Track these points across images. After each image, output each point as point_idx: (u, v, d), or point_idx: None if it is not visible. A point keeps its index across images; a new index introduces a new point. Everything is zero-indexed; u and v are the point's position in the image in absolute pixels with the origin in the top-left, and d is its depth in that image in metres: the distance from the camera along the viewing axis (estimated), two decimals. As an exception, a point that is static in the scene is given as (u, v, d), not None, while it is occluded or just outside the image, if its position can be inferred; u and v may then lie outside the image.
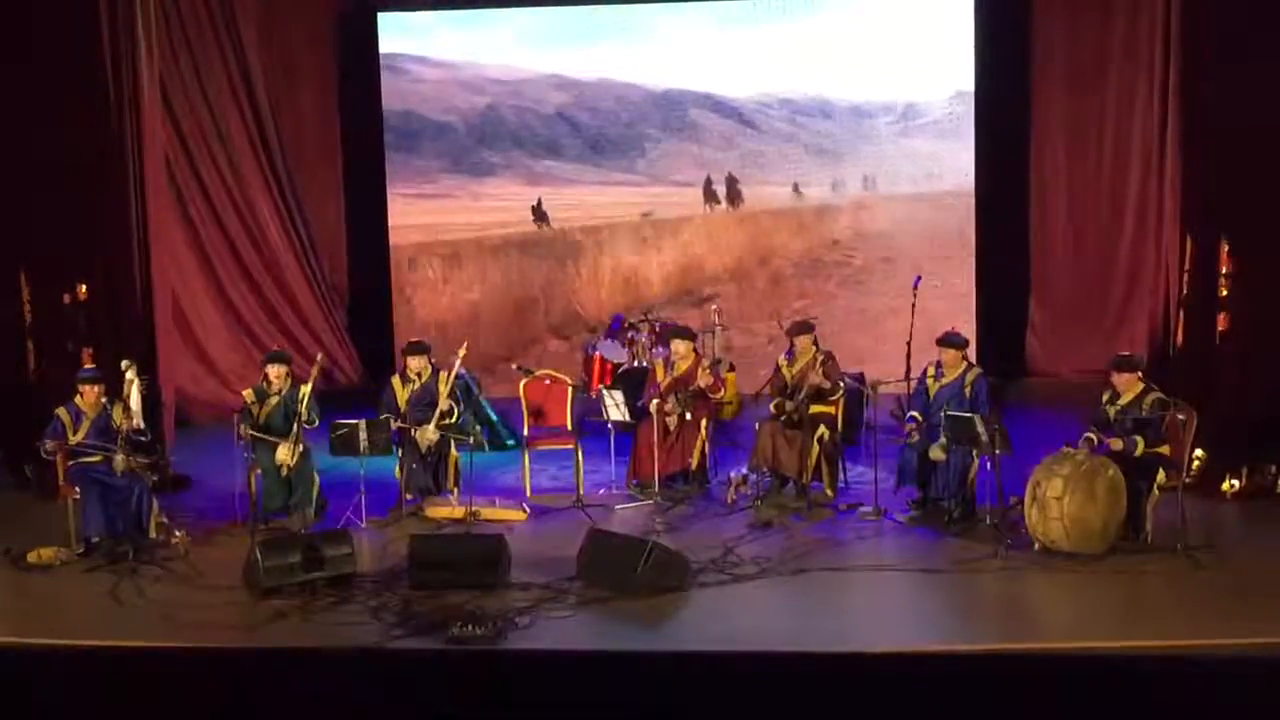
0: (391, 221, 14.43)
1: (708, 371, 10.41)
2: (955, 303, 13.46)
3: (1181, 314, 10.50)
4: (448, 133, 14.35)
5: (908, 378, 10.28)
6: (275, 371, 9.90)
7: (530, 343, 14.25)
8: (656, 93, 14.19)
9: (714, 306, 13.28)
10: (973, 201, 13.92)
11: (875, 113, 13.96)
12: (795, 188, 14.09)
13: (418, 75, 14.32)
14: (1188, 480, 9.10)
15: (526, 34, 14.19)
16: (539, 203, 14.29)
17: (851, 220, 14.08)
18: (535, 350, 14.09)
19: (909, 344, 10.53)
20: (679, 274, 14.27)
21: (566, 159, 14.31)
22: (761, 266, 14.19)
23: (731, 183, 14.20)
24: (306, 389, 9.76)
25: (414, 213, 14.38)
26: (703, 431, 10.35)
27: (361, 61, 14.39)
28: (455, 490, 10.07)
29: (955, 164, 13.84)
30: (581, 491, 10.19)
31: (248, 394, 9.94)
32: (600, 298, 14.28)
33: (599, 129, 14.29)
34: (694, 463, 10.35)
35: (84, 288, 11.02)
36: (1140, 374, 9.12)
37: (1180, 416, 8.87)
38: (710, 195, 14.23)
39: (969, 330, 12.23)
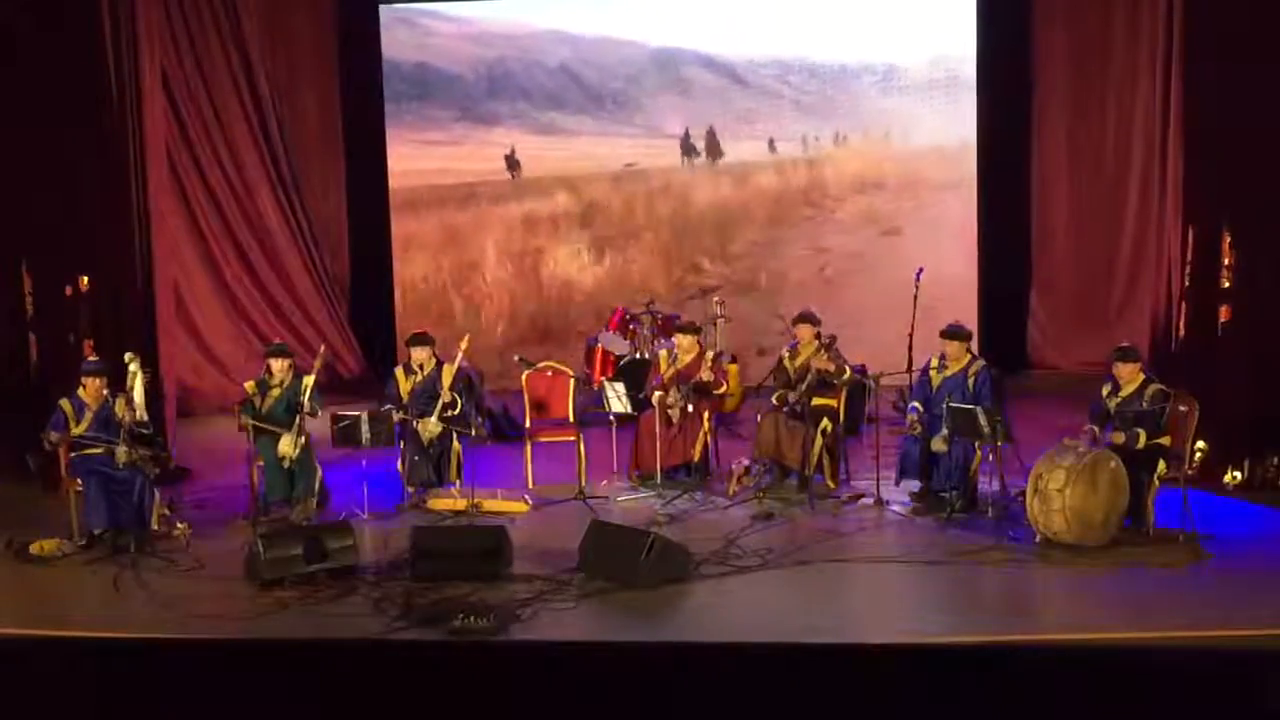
0: (399, 166, 14.61)
1: (710, 366, 10.41)
2: (956, 293, 13.46)
3: (1183, 305, 10.50)
4: (457, 84, 14.61)
5: (909, 369, 10.28)
6: (278, 365, 9.90)
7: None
8: (653, 49, 14.42)
9: (716, 299, 13.27)
10: (974, 192, 13.92)
11: (882, 76, 14.03)
12: (770, 143, 14.31)
13: (430, 29, 14.51)
14: (1190, 472, 9.10)
15: (521, 29, 14.45)
16: (512, 151, 14.56)
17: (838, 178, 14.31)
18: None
19: (910, 336, 10.54)
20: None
21: (568, 111, 14.60)
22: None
23: (711, 137, 14.36)
24: (309, 380, 9.76)
25: (423, 158, 14.65)
26: (705, 424, 10.35)
27: (364, 52, 14.40)
28: (457, 482, 10.08)
29: (953, 131, 13.94)
30: (583, 483, 10.19)
31: (249, 385, 9.93)
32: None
33: (599, 83, 14.51)
34: (696, 455, 10.35)
35: (86, 279, 11.02)
36: (1141, 365, 9.13)
37: (1182, 408, 8.87)
38: (688, 149, 14.42)
39: (970, 322, 12.23)
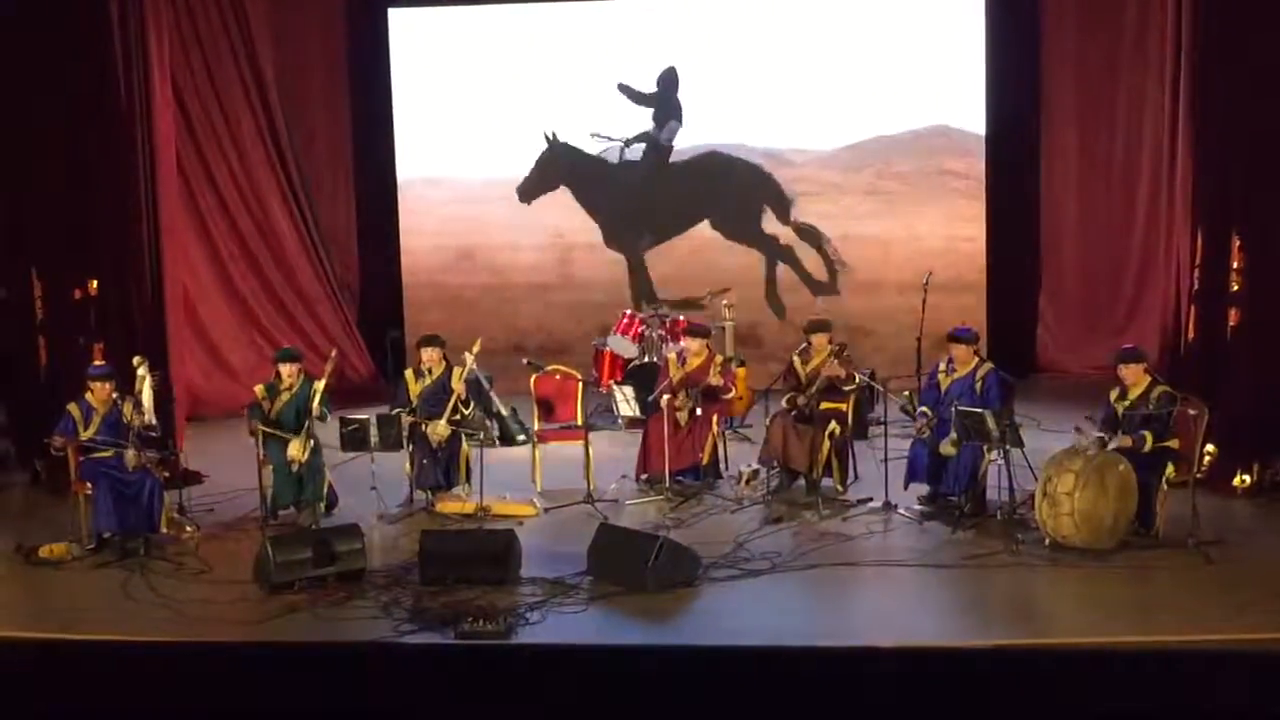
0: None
1: (718, 370, 10.40)
2: (965, 298, 13.45)
3: (1192, 309, 10.48)
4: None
5: (918, 373, 10.27)
6: (287, 370, 9.91)
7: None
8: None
9: (725, 301, 13.26)
10: (984, 199, 13.91)
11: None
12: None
13: (425, 64, 14.42)
14: (1199, 475, 9.09)
15: (530, 34, 14.29)
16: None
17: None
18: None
19: (919, 339, 10.53)
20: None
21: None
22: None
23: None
24: (319, 385, 9.75)
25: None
26: (714, 427, 10.35)
27: (372, 57, 14.43)
28: (466, 485, 10.08)
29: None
30: (592, 487, 10.19)
31: (259, 390, 9.95)
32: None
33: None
34: (705, 458, 10.34)
35: (95, 283, 11.04)
36: (1146, 366, 9.11)
37: (1191, 411, 8.85)
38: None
39: (979, 325, 12.21)
